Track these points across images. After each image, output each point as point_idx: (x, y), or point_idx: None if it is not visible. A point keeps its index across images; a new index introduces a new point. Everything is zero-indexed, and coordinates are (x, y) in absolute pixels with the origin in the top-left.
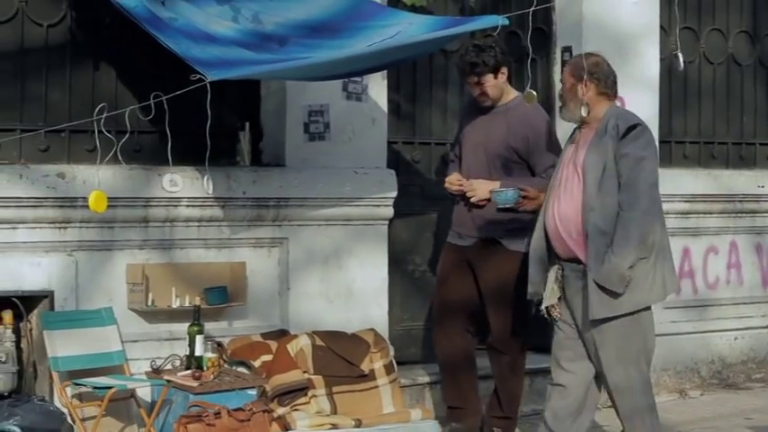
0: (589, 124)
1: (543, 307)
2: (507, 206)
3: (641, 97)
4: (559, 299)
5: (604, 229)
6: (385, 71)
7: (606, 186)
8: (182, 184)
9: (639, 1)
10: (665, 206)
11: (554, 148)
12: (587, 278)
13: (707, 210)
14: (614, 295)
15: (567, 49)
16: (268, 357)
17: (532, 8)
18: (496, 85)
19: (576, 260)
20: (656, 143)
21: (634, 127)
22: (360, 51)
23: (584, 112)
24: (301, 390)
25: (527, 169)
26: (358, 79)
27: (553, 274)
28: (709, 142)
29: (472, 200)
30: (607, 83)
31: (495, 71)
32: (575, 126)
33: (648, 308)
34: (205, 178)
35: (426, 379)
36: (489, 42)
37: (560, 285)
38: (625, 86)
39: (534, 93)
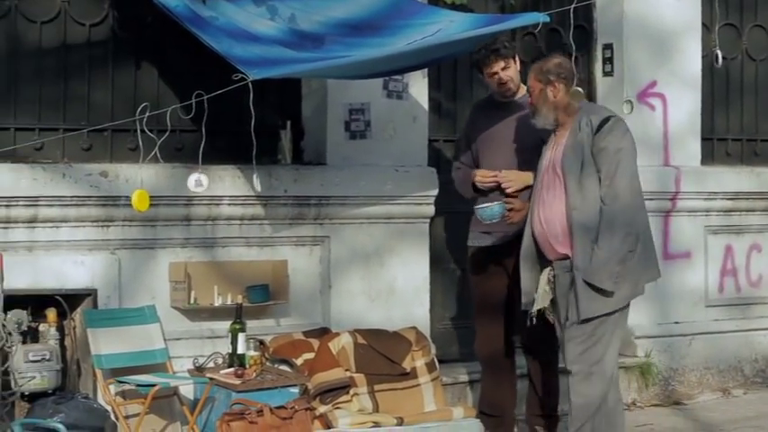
0: (564, 125)
1: (534, 310)
2: (493, 221)
3: (683, 94)
4: (552, 301)
5: (589, 225)
6: (426, 69)
7: (586, 183)
8: (207, 184)
9: None
10: (708, 204)
11: None
12: (573, 272)
13: (750, 207)
14: (603, 292)
15: (608, 47)
16: (310, 355)
17: (573, 5)
18: (517, 71)
19: (565, 257)
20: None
21: (607, 120)
22: (400, 49)
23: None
24: (343, 388)
25: None
26: (399, 77)
27: (545, 276)
28: (751, 139)
29: (508, 190)
30: (574, 80)
31: (514, 57)
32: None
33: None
34: (254, 176)
35: (468, 377)
36: (495, 38)
37: (552, 287)
38: (667, 84)
39: (581, 90)
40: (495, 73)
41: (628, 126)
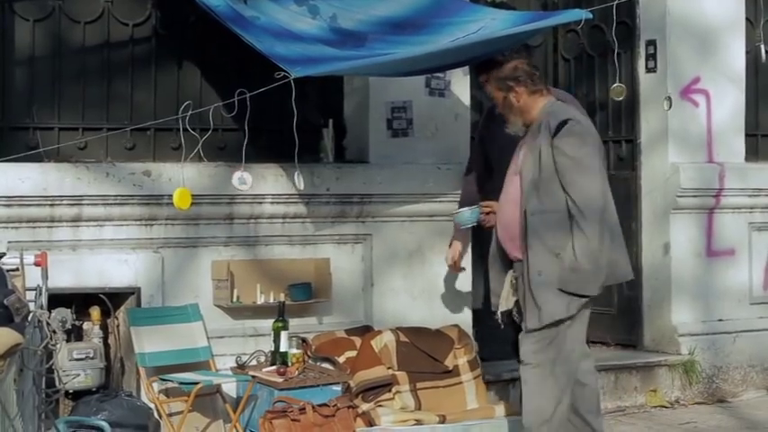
0: (530, 128)
1: (499, 313)
2: (467, 226)
3: (727, 90)
4: (517, 302)
5: (548, 239)
6: (467, 67)
7: (545, 189)
8: (251, 183)
9: None
10: (753, 201)
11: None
12: (523, 274)
13: None
14: (546, 305)
15: (651, 43)
16: (352, 353)
17: (616, 1)
18: None
19: (520, 261)
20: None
21: (565, 122)
22: (443, 47)
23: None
24: (385, 386)
25: None
26: (441, 75)
27: (509, 278)
28: None
29: None
30: (534, 80)
31: None
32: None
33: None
34: (295, 174)
35: (510, 375)
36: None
37: (515, 289)
38: (710, 80)
39: (623, 86)
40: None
41: (588, 127)
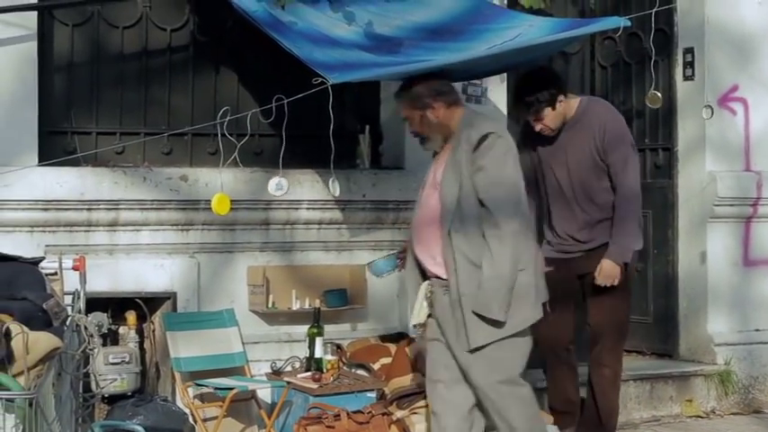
0: (447, 140)
1: (411, 325)
2: (384, 275)
3: (765, 99)
4: (429, 316)
5: (472, 257)
6: (504, 74)
7: (466, 208)
8: (287, 188)
9: (764, 1)
10: None
11: (626, 141)
12: (451, 294)
13: None
14: (493, 321)
15: (688, 51)
16: (387, 360)
17: (654, 9)
18: (557, 114)
19: (441, 277)
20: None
21: (486, 137)
22: (480, 54)
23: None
24: (420, 393)
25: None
26: (477, 82)
27: (423, 290)
28: None
29: None
30: (448, 91)
31: (553, 104)
32: None
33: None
34: (330, 181)
35: (545, 384)
36: (543, 74)
37: (430, 302)
38: (748, 88)
39: (659, 94)
40: (528, 121)
41: (510, 142)
